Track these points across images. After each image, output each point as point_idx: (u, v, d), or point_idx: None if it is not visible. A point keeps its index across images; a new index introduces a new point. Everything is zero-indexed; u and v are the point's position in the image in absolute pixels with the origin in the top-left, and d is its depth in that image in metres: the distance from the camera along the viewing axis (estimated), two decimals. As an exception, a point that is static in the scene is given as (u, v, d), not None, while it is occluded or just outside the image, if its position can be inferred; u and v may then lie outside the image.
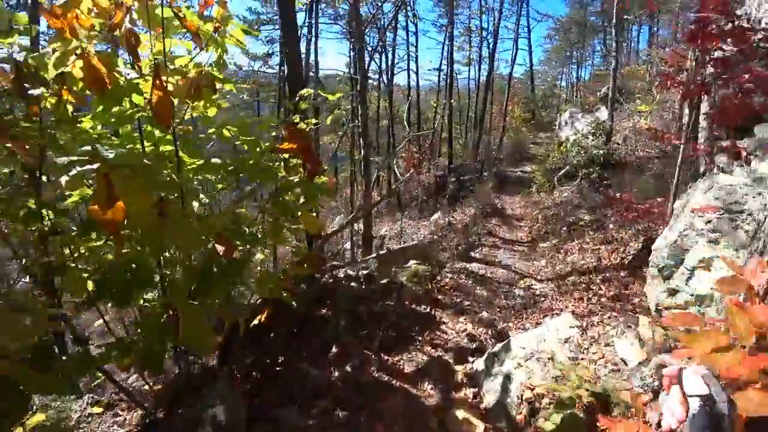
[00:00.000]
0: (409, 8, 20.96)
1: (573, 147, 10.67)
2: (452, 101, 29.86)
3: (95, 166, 1.59)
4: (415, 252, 5.25)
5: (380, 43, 14.03)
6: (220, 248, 2.22)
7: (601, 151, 10.21)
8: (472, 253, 7.78)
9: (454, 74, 21.05)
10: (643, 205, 4.87)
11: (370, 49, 19.88)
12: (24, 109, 1.91)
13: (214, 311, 2.51)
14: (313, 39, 17.99)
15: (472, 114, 24.65)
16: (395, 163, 19.62)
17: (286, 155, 2.77)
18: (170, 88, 2.04)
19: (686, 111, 10.62)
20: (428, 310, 3.92)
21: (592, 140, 10.59)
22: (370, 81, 24.64)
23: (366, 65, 10.45)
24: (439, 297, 4.43)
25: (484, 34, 22.03)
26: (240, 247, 2.63)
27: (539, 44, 43.86)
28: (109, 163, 1.62)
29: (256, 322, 3.22)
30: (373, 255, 5.30)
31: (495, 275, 5.86)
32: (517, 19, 20.95)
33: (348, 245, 13.53)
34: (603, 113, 14.22)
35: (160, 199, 1.89)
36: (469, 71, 26.04)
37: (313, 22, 16.79)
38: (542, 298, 4.67)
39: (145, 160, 2.02)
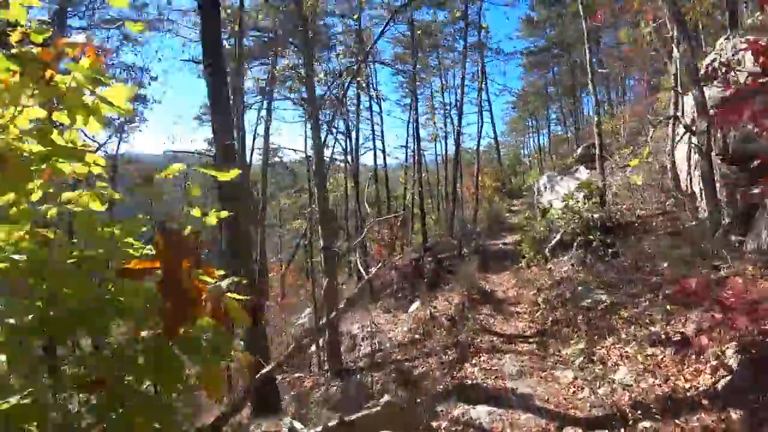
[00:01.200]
0: (372, 89, 20.73)
1: (565, 213, 9.19)
2: (422, 175, 29.25)
3: None
4: (388, 420, 3.14)
5: (338, 114, 12.87)
6: None
7: (597, 215, 8.74)
8: (468, 366, 5.73)
9: (421, 150, 20.38)
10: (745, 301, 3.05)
11: (334, 130, 19.11)
12: None
13: None
14: (265, 121, 16.98)
15: (442, 188, 23.77)
16: (366, 246, 17.89)
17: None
18: None
19: (681, 160, 9.52)
20: None
21: (585, 203, 9.16)
22: (337, 162, 23.75)
23: (323, 142, 9.02)
24: None
25: (448, 109, 21.82)
26: None
27: (500, 116, 45.54)
28: None
29: None
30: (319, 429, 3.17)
31: (518, 428, 3.77)
32: (479, 94, 20.86)
33: (314, 348, 11.18)
34: (583, 173, 13.16)
35: None
36: (435, 147, 25.69)
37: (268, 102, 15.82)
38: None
39: None
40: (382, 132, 21.45)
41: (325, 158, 16.29)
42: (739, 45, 8.39)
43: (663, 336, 4.25)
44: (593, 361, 4.65)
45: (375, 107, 21.17)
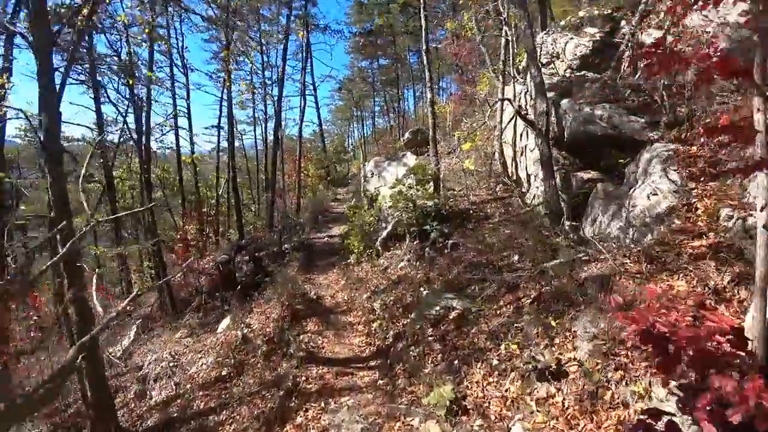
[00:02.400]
0: (175, 53, 16.50)
1: (398, 200, 8.02)
2: (237, 160, 25.66)
3: None
4: None
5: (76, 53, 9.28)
6: None
7: (431, 202, 7.80)
8: (291, 429, 3.81)
9: (237, 132, 17.14)
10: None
11: (125, 103, 14.35)
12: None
13: None
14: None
15: (264, 177, 21.05)
16: (160, 250, 14.17)
17: None
18: None
19: (507, 147, 9.41)
20: None
21: (418, 189, 8.15)
22: (131, 143, 18.30)
23: (57, 93, 5.74)
24: None
25: (270, 89, 18.95)
26: None
27: (325, 104, 44.42)
28: None
29: None
30: None
31: None
32: (302, 73, 18.79)
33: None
34: (410, 159, 12.50)
35: None
36: (255, 131, 22.53)
37: None
38: None
39: None
40: (188, 109, 17.37)
41: (98, 131, 11.84)
42: (559, 39, 8.45)
43: (553, 365, 3.10)
44: (466, 410, 3.27)
45: (181, 78, 17.02)
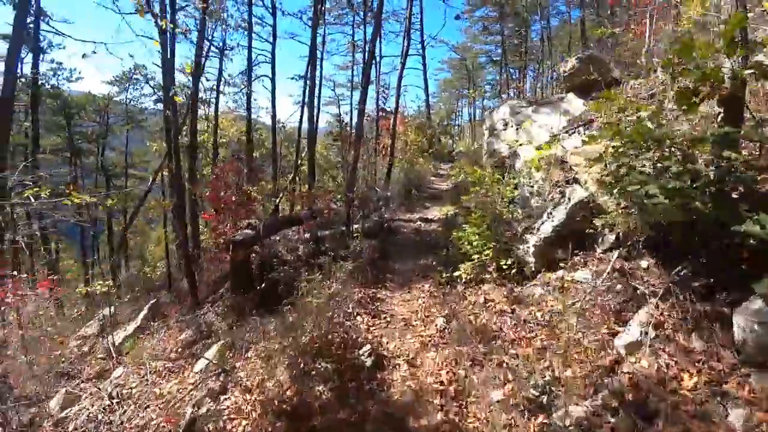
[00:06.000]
0: None
1: (631, 136, 2.85)
2: (331, 129, 21.87)
3: None
4: None
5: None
6: None
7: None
8: None
9: (334, 96, 12.90)
10: None
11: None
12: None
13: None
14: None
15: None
16: (197, 205, 10.66)
17: None
18: None
19: None
20: None
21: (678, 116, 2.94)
22: (201, 95, 14.90)
23: None
24: None
25: (368, 46, 14.06)
26: None
27: (432, 73, 39.01)
28: None
29: None
30: None
31: None
32: (408, 4, 13.84)
33: None
34: (575, 104, 7.08)
35: None
36: (351, 95, 18.17)
37: None
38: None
39: None
40: (273, 56, 13.06)
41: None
42: None
43: None
44: None
45: (268, 18, 12.94)
